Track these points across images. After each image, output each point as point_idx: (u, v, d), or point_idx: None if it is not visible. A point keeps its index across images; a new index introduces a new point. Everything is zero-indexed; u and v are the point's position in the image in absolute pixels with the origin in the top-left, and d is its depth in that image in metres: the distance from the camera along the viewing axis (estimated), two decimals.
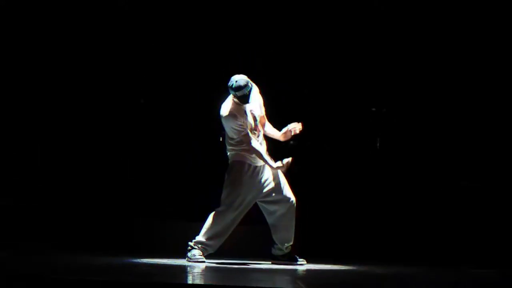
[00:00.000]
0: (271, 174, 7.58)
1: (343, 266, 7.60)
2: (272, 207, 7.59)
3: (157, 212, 9.77)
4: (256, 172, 7.53)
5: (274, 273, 6.69)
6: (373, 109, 9.93)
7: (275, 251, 7.76)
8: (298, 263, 7.65)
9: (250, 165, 7.51)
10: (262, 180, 7.55)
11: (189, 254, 7.60)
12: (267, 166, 7.52)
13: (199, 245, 7.59)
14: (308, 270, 7.11)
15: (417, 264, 8.29)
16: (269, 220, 7.65)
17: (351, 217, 9.70)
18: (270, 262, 7.73)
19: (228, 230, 7.58)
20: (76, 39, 10.11)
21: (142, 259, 7.67)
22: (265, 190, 7.55)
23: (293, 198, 7.59)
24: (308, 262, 7.75)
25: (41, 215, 9.91)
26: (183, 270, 6.73)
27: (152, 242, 9.48)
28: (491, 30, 9.81)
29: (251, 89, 7.27)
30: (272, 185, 7.55)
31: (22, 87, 10.23)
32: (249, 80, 7.30)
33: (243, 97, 7.28)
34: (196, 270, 6.70)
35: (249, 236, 7.88)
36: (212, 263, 7.52)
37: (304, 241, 8.17)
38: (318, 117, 9.80)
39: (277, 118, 7.79)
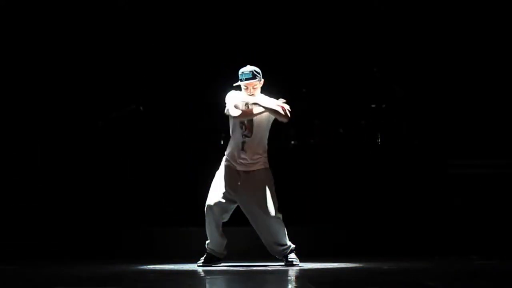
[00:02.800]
0: (251, 186, 7.50)
1: (350, 264, 7.59)
2: (247, 216, 7.57)
3: (159, 218, 9.77)
4: (233, 170, 7.49)
5: (281, 275, 6.65)
6: (373, 105, 9.93)
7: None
8: (291, 263, 7.57)
9: (229, 166, 7.51)
10: (237, 182, 7.48)
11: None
12: (249, 178, 7.47)
13: (207, 248, 7.63)
14: (316, 270, 7.07)
15: (423, 258, 8.29)
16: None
17: (355, 214, 9.70)
18: (284, 263, 7.67)
19: (217, 222, 7.50)
20: (77, 41, 10.11)
21: (147, 266, 7.66)
22: (239, 192, 7.48)
23: (264, 214, 7.42)
24: (316, 260, 7.73)
25: (41, 216, 9.90)
26: (186, 276, 6.70)
27: (156, 249, 9.49)
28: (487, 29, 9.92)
29: (248, 78, 7.36)
30: (246, 193, 7.47)
31: (22, 88, 10.22)
32: (255, 71, 7.40)
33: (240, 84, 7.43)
34: (196, 276, 6.68)
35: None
36: (218, 267, 7.50)
37: (310, 240, 8.18)
38: (317, 116, 9.81)
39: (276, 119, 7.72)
